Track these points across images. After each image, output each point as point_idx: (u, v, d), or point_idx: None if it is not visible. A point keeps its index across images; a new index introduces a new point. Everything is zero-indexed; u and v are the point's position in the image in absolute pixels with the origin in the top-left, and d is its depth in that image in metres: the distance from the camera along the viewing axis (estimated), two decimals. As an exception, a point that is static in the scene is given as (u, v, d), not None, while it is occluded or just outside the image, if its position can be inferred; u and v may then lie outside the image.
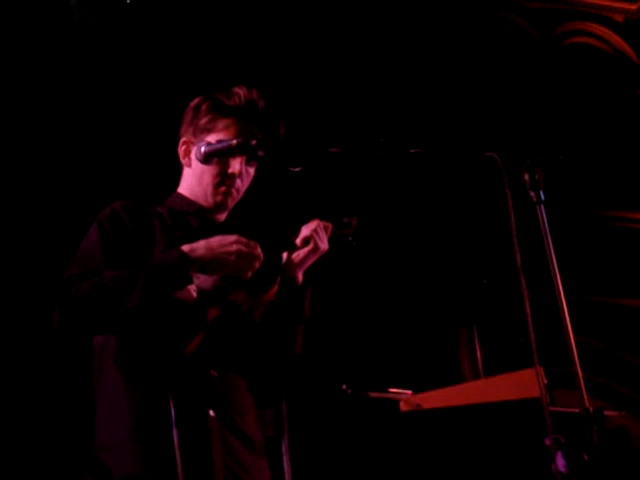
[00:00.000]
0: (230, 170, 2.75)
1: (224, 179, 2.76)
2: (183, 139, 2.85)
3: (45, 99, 4.66)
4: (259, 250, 2.54)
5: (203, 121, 2.80)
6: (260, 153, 2.71)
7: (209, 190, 2.77)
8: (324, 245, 2.74)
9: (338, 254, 2.80)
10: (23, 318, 4.41)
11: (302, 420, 4.32)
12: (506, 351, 5.18)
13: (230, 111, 2.78)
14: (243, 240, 2.52)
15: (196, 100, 2.86)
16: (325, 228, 2.76)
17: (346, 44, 5.34)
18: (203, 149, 2.72)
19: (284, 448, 4.11)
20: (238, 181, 2.78)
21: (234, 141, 2.70)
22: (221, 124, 2.77)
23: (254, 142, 2.70)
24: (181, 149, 2.85)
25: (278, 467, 3.98)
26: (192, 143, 2.81)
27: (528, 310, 2.41)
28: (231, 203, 2.82)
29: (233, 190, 2.78)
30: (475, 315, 5.46)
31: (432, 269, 5.65)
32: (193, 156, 2.79)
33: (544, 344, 2.49)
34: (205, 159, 2.73)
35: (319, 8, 5.33)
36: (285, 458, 4.10)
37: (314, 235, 2.73)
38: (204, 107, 2.81)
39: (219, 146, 2.71)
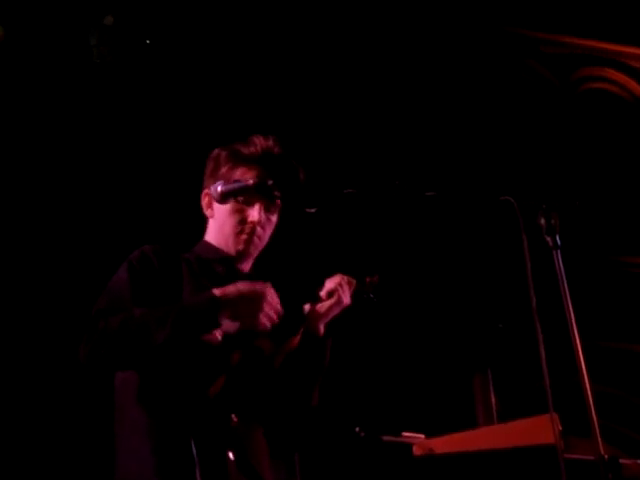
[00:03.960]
0: (250, 218, 2.78)
1: (244, 227, 2.79)
2: (205, 191, 2.88)
3: (71, 145, 4.71)
4: (279, 305, 2.56)
5: (223, 170, 2.83)
6: (276, 193, 2.73)
7: (231, 239, 2.80)
8: (347, 299, 2.79)
9: (360, 310, 2.83)
10: (45, 352, 4.43)
11: (314, 463, 4.29)
12: (521, 396, 5.15)
13: (248, 159, 2.82)
14: (270, 289, 2.54)
15: (215, 151, 2.90)
16: (349, 283, 2.80)
17: (363, 84, 5.37)
18: (220, 188, 2.74)
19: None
20: (259, 229, 2.80)
21: (250, 181, 2.72)
22: (239, 172, 2.81)
23: (270, 182, 2.72)
24: (204, 201, 2.90)
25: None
26: None
27: (543, 355, 2.40)
28: (254, 251, 2.85)
29: (255, 238, 2.81)
30: (490, 360, 5.43)
31: (448, 313, 5.64)
32: (216, 205, 2.82)
33: (559, 390, 2.47)
34: (222, 198, 2.75)
35: (337, 42, 5.36)
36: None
37: (338, 289, 2.76)
38: (223, 157, 2.86)
39: (235, 185, 2.74)
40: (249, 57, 5.15)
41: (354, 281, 2.83)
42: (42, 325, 4.48)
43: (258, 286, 2.56)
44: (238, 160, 2.83)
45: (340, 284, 2.78)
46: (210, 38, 5.05)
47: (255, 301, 2.53)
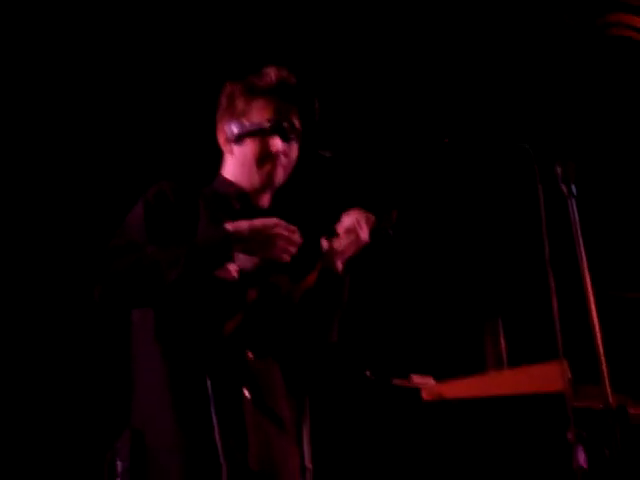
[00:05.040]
0: (273, 149, 2.76)
1: (267, 158, 2.77)
2: (221, 127, 2.86)
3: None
4: (297, 236, 2.56)
5: (239, 105, 2.82)
6: (292, 135, 2.73)
7: (253, 171, 2.79)
8: (365, 236, 2.76)
9: (378, 246, 2.81)
10: (59, 291, 4.45)
11: (324, 404, 4.33)
12: (531, 343, 5.16)
13: (264, 91, 2.80)
14: (283, 224, 2.54)
15: (228, 85, 2.88)
16: (367, 219, 2.77)
17: (380, 28, 5.31)
18: (236, 130, 2.74)
19: (305, 432, 4.12)
20: (283, 158, 2.78)
21: (267, 124, 2.72)
22: (256, 106, 2.79)
23: (286, 124, 2.71)
24: (221, 137, 2.87)
25: (299, 450, 3.99)
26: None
27: (555, 302, 2.40)
28: (277, 182, 2.83)
29: (279, 168, 2.79)
30: (502, 305, 5.44)
31: (461, 259, 5.64)
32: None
33: (570, 338, 2.48)
34: (237, 139, 2.75)
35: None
36: (305, 441, 4.11)
37: (356, 225, 2.74)
38: (237, 91, 2.83)
39: (251, 128, 2.73)
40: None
41: (372, 217, 2.80)
42: (59, 262, 4.49)
43: (272, 220, 2.56)
44: (254, 93, 2.82)
45: (358, 220, 2.76)
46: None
47: (269, 235, 2.53)
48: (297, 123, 2.81)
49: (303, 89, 2.84)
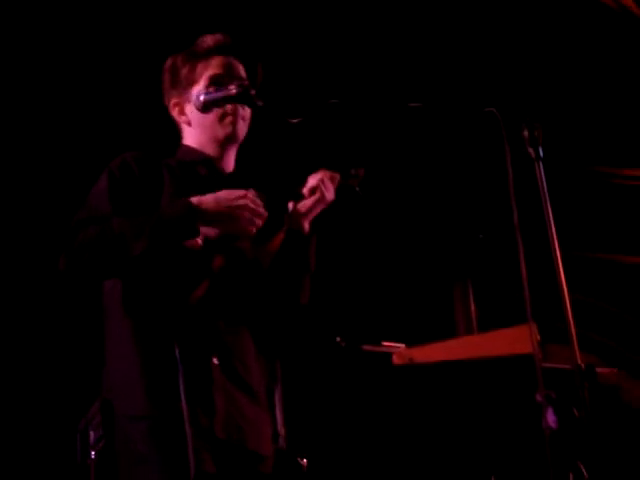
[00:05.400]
0: (230, 107, 2.76)
1: (227, 114, 2.77)
2: (173, 101, 2.87)
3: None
4: (263, 209, 2.56)
5: (184, 74, 2.83)
6: (259, 103, 2.72)
7: (216, 128, 2.79)
8: (331, 195, 2.77)
9: (344, 204, 2.81)
10: (30, 261, 4.43)
11: (296, 371, 4.34)
12: (500, 306, 5.20)
13: (205, 52, 2.82)
14: (250, 196, 2.54)
15: (168, 60, 2.90)
16: (332, 178, 2.78)
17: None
18: (202, 98, 2.72)
19: (277, 398, 4.14)
20: (241, 109, 2.79)
21: (233, 90, 2.70)
22: (201, 66, 2.81)
23: (253, 92, 2.71)
24: (174, 111, 2.88)
25: (271, 416, 4.01)
26: (183, 100, 2.84)
27: (523, 266, 2.41)
28: (241, 135, 2.83)
29: (240, 121, 2.80)
30: (470, 270, 5.47)
31: (429, 223, 5.65)
32: (189, 110, 2.81)
33: (539, 300, 2.50)
34: (204, 107, 2.73)
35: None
36: (278, 407, 4.13)
37: (321, 185, 2.75)
38: (179, 62, 2.86)
39: (218, 94, 2.72)
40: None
41: (337, 175, 2.80)
42: (25, 236, 4.48)
43: (237, 193, 2.55)
44: (196, 57, 2.83)
45: (322, 180, 2.76)
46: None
47: (234, 207, 2.53)
48: (244, 75, 2.84)
49: (242, 46, 2.86)
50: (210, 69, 2.81)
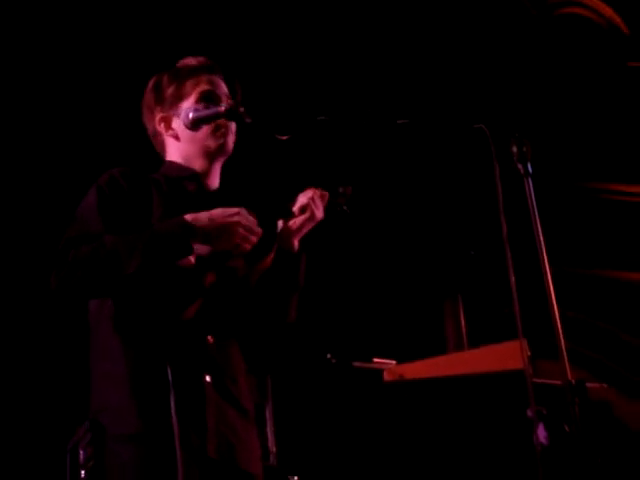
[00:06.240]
0: (222, 120, 2.78)
1: (220, 125, 2.79)
2: (159, 116, 2.87)
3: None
4: (257, 225, 2.56)
5: (169, 92, 2.85)
6: (247, 120, 2.72)
7: (208, 139, 2.80)
8: (320, 213, 2.77)
9: (333, 223, 2.82)
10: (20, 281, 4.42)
11: (286, 388, 4.33)
12: (491, 322, 5.20)
13: (191, 71, 2.84)
14: (244, 214, 2.54)
15: (152, 80, 2.91)
16: (322, 197, 2.78)
17: (334, 13, 5.30)
18: (191, 115, 2.73)
19: (268, 415, 4.13)
20: (232, 126, 2.80)
21: (222, 108, 2.72)
22: (190, 83, 2.83)
23: (242, 109, 2.71)
24: (160, 125, 2.87)
25: (261, 434, 4.00)
26: (170, 115, 2.85)
27: (513, 281, 2.42)
28: (229, 149, 2.84)
29: (230, 135, 2.82)
30: (461, 286, 5.47)
31: (419, 239, 5.66)
32: (177, 124, 2.81)
33: (529, 316, 2.50)
34: (193, 124, 2.74)
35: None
36: (269, 425, 4.12)
37: (311, 203, 2.75)
38: (165, 80, 2.87)
39: (207, 112, 2.74)
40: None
41: (327, 194, 2.80)
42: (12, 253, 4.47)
43: (231, 210, 2.56)
44: (183, 75, 2.85)
45: (312, 198, 2.76)
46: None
47: (229, 225, 2.53)
48: (228, 91, 2.86)
49: (223, 65, 2.90)
50: (200, 85, 2.82)
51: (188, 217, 2.51)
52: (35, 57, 4.65)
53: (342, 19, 5.31)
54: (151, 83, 2.91)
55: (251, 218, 2.57)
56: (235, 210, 2.56)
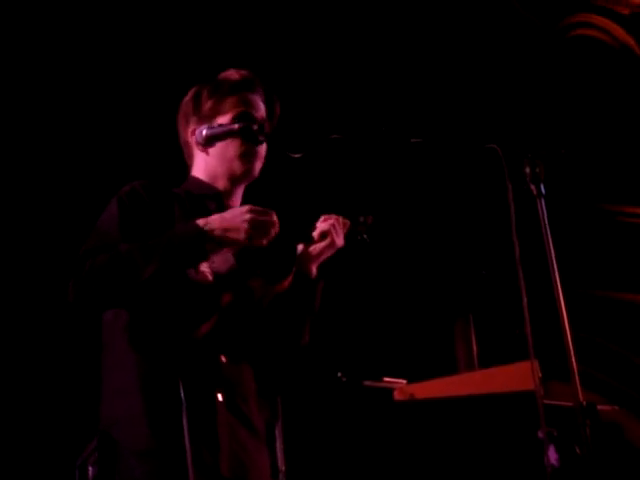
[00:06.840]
0: (250, 146, 2.77)
1: (250, 153, 2.77)
2: (193, 127, 2.85)
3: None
4: (275, 217, 2.53)
5: (207, 106, 2.82)
6: (261, 138, 2.72)
7: (235, 162, 2.78)
8: (340, 241, 2.77)
9: (353, 251, 2.82)
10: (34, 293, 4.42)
11: (296, 406, 4.32)
12: (502, 343, 5.18)
13: (232, 88, 2.81)
14: (257, 208, 2.52)
15: (193, 90, 2.89)
16: (343, 224, 2.78)
17: (347, 31, 5.32)
18: (205, 132, 2.74)
19: (277, 433, 4.12)
20: (261, 152, 2.79)
21: (236, 125, 2.71)
22: (227, 103, 2.80)
23: (255, 127, 2.71)
24: (192, 138, 2.85)
25: (271, 452, 3.99)
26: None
27: (525, 302, 2.41)
28: (255, 175, 2.83)
29: (258, 162, 2.81)
30: (472, 306, 5.46)
31: (431, 259, 5.65)
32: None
33: (540, 337, 2.49)
34: (206, 142, 2.74)
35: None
36: (278, 443, 4.11)
37: (332, 230, 2.74)
38: (204, 94, 2.84)
39: (220, 130, 2.73)
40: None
41: (348, 222, 2.80)
42: (32, 261, 4.47)
43: (242, 207, 2.54)
44: (223, 93, 2.83)
45: (334, 225, 2.75)
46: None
47: (242, 221, 2.50)
48: (265, 110, 2.84)
49: (265, 82, 2.88)
50: (238, 106, 2.80)
51: (200, 221, 2.51)
52: (61, 63, 4.66)
53: (356, 38, 5.33)
54: (191, 93, 2.90)
55: (267, 210, 2.53)
56: (246, 207, 2.53)
